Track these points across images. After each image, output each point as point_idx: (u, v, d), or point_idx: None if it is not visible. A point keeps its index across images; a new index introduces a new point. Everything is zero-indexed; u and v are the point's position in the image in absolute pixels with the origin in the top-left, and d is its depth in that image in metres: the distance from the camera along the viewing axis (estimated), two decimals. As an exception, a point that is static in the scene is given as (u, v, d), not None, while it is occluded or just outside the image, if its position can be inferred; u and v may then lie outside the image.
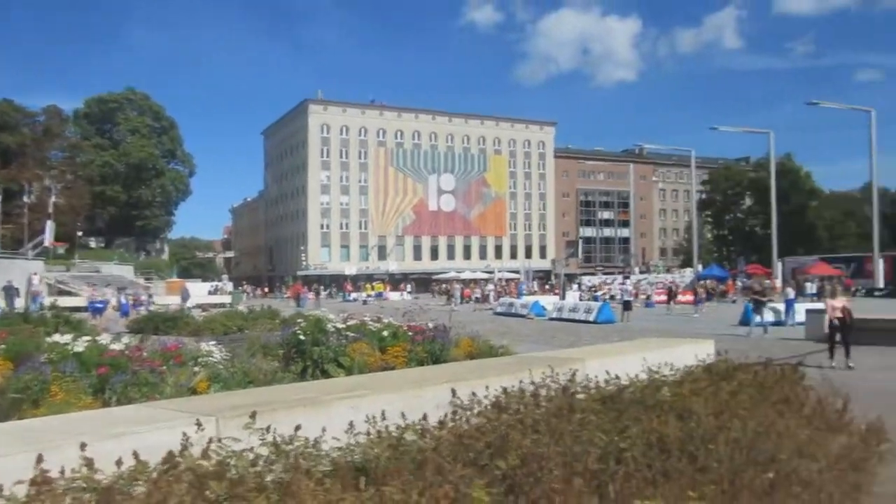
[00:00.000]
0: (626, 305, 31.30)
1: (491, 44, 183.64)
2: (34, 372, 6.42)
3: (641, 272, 71.98)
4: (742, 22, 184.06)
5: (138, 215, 79.32)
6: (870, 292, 48.27)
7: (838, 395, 7.42)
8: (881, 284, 51.10)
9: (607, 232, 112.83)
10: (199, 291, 43.05)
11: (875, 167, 52.39)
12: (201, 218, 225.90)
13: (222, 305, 33.21)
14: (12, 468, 2.96)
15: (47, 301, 28.89)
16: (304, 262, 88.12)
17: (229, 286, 58.31)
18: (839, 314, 14.14)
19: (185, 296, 38.46)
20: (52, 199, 61.73)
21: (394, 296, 58.93)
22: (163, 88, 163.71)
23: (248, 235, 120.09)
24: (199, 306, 32.22)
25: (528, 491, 3.77)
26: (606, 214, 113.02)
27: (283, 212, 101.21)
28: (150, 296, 39.55)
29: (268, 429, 3.70)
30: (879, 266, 52.69)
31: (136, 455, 2.95)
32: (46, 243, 55.40)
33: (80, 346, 7.37)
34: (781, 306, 27.22)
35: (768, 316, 26.19)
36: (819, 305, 26.56)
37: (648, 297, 44.43)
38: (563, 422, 4.72)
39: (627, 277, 58.43)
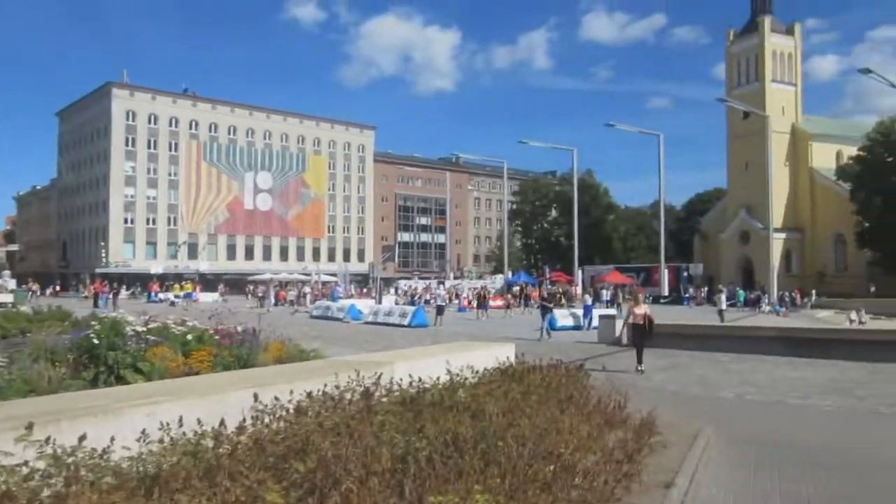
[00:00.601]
0: (440, 310, 32.26)
1: (313, 42, 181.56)
2: None
3: (456, 277, 74.43)
4: (552, 44, 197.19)
5: None
6: (656, 299, 53.47)
7: (619, 393, 8.25)
8: (666, 292, 56.87)
9: (424, 237, 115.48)
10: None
11: (663, 186, 58.37)
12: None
13: (2, 305, 29.81)
14: None
15: None
16: (105, 259, 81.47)
17: (11, 283, 52.41)
18: (640, 321, 14.87)
19: None
20: None
21: (205, 297, 56.17)
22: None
23: (37, 227, 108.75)
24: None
25: (326, 492, 3.85)
26: (424, 220, 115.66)
27: (80, 203, 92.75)
28: None
29: (47, 440, 3.47)
30: (665, 276, 58.67)
31: None
32: None
33: None
34: (580, 311, 29.44)
35: (567, 321, 28.34)
36: (612, 311, 29.19)
37: (470, 302, 45.82)
38: (364, 424, 4.87)
39: (442, 282, 60.20)
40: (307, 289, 54.23)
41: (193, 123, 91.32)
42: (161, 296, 56.02)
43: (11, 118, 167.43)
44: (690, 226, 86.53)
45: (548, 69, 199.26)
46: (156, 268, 78.97)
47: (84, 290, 62.78)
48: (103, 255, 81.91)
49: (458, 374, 7.01)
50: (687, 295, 57.03)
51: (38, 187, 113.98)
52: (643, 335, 14.84)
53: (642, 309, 15.22)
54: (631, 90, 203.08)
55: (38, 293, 57.12)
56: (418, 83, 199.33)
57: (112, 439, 3.78)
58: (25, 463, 3.16)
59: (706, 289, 57.70)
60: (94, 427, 4.01)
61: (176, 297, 51.39)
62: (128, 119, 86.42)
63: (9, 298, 36.68)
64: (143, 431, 4.06)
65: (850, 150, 66.19)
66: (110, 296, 44.53)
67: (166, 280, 70.21)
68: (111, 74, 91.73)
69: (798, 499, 5.97)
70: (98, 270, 77.19)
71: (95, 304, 40.14)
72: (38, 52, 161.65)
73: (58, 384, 6.80)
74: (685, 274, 63.62)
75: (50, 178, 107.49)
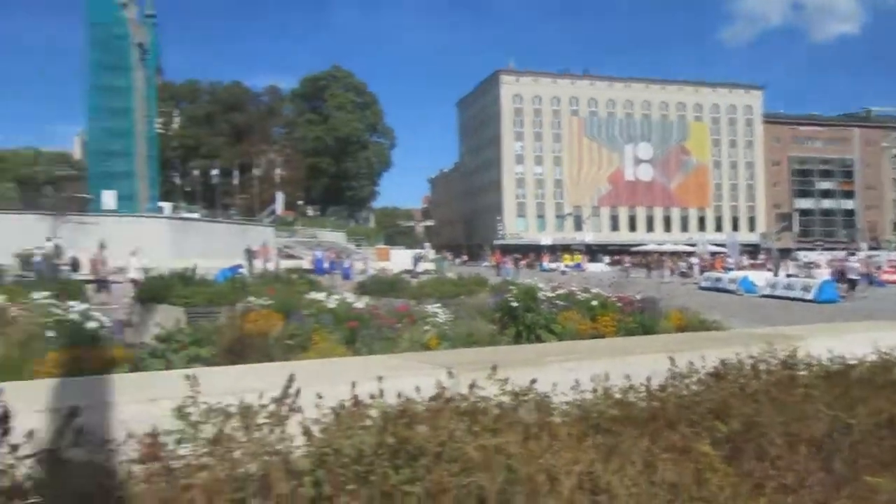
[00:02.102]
0: (852, 284, 28.77)
1: (690, 5, 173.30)
2: (299, 323, 7.68)
3: (870, 248, 65.05)
4: None
5: (346, 186, 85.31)
6: None
7: None
8: None
9: (827, 204, 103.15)
10: (403, 258, 45.54)
11: None
12: (401, 187, 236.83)
13: (426, 272, 34.98)
14: (306, 398, 3.69)
15: (273, 265, 32.10)
16: (501, 232, 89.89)
17: (432, 254, 61.19)
18: None
19: (417, 260, 41.62)
20: (277, 171, 68.77)
21: (592, 267, 58.50)
22: (362, 64, 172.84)
23: (446, 205, 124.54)
24: (407, 272, 34.12)
25: (751, 455, 3.93)
26: (826, 184, 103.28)
27: (478, 183, 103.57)
28: (365, 260, 42.82)
29: (505, 380, 4.18)
30: None
31: (418, 388, 3.52)
32: (278, 212, 62.17)
33: (332, 303, 8.76)
34: None
35: None
36: None
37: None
38: (785, 393, 4.76)
39: (853, 254, 53.15)
40: (694, 259, 52.84)
41: (573, 101, 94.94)
42: (552, 265, 59.92)
43: (424, 112, 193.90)
44: None
45: None
46: (545, 239, 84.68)
47: (488, 260, 70.33)
48: (500, 228, 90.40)
49: (888, 354, 6.34)
50: None
51: (445, 170, 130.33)
52: None
53: None
54: None
55: (452, 262, 65.75)
56: (814, 31, 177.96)
57: (554, 385, 4.37)
58: (493, 396, 3.87)
59: None
60: (528, 375, 4.66)
61: (566, 266, 54.49)
62: (514, 103, 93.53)
63: (431, 266, 43.05)
64: (577, 381, 4.60)
65: None
66: (511, 265, 49.24)
67: (554, 251, 74.77)
68: (497, 62, 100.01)
69: None
70: (496, 242, 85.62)
71: (498, 273, 44.82)
72: (437, 52, 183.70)
73: (490, 338, 7.96)
74: None
75: (454, 160, 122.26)
